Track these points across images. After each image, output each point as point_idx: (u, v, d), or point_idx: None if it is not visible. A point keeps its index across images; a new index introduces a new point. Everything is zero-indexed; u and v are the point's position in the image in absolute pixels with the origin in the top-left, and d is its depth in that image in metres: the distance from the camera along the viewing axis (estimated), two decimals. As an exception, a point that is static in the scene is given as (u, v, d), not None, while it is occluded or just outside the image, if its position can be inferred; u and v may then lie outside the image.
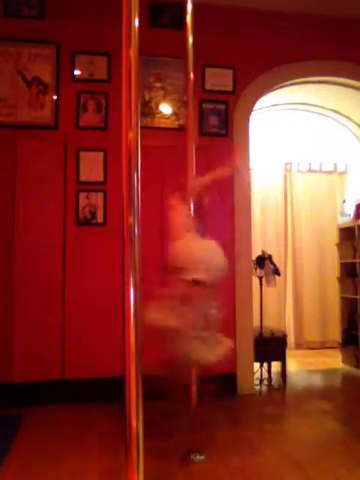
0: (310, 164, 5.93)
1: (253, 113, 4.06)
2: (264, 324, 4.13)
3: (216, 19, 3.93)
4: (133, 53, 1.20)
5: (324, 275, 5.78)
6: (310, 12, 4.03)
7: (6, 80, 3.64)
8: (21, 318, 3.48)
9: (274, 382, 4.04)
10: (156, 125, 3.83)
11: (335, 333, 5.36)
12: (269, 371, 4.09)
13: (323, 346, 5.72)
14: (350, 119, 4.95)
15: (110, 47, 3.63)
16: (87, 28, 3.74)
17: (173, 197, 2.60)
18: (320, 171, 5.97)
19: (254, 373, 3.91)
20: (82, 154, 3.69)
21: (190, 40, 2.73)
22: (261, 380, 3.99)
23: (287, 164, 5.89)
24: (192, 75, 2.75)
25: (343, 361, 4.84)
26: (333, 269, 5.42)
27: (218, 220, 3.76)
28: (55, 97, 3.71)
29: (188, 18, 2.73)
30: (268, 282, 4.04)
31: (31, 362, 3.46)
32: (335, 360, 4.94)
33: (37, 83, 3.68)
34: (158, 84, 3.85)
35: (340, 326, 5.01)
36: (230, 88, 3.96)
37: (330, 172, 5.97)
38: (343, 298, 4.95)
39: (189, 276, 2.30)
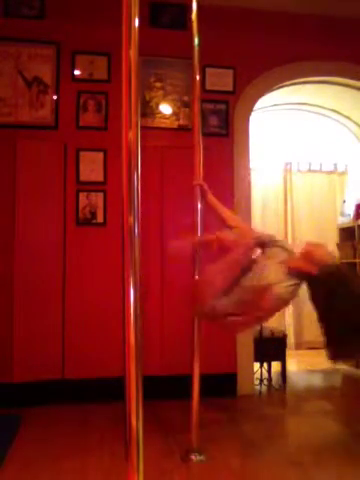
0: (310, 164, 5.94)
1: (253, 113, 4.06)
2: (264, 324, 4.13)
3: (216, 19, 3.92)
4: (133, 53, 1.20)
5: (324, 275, 5.77)
6: (310, 12, 4.03)
7: (6, 80, 3.64)
8: (21, 318, 3.48)
9: (274, 382, 4.04)
10: (156, 125, 3.83)
11: (335, 333, 5.35)
12: (269, 371, 4.09)
13: (323, 346, 5.71)
14: (350, 119, 4.95)
15: (110, 47, 3.63)
16: (87, 28, 3.73)
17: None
18: (320, 171, 5.97)
19: (254, 373, 3.91)
20: (82, 154, 3.69)
21: (196, 40, 2.71)
22: (261, 380, 3.99)
23: (287, 164, 5.90)
24: (198, 77, 2.72)
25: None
26: (333, 269, 5.41)
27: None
28: (55, 97, 3.71)
29: (193, 18, 2.71)
30: (268, 282, 4.03)
31: (31, 362, 3.46)
32: (335, 360, 4.93)
33: (37, 83, 3.68)
34: (158, 84, 3.85)
35: (340, 326, 5.00)
36: (230, 88, 3.96)
37: (330, 172, 5.97)
38: (343, 298, 4.94)
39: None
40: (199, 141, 2.69)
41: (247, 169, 4.00)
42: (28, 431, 2.92)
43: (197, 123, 2.71)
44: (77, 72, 3.75)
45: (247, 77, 3.97)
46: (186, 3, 2.73)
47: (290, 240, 5.85)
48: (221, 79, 3.94)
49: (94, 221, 3.68)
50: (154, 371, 3.46)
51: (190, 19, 2.71)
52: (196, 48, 2.70)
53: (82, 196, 3.67)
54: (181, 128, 3.82)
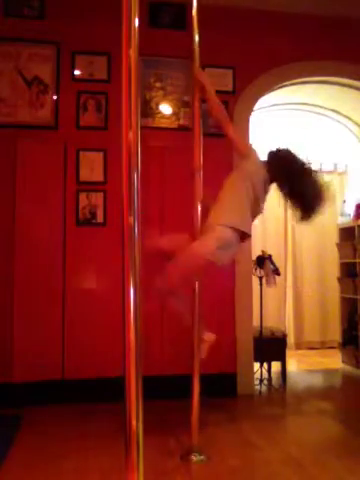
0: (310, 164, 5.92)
1: (253, 113, 4.06)
2: (264, 324, 4.13)
3: (216, 19, 3.92)
4: (133, 53, 1.20)
5: (324, 275, 5.78)
6: (310, 12, 4.03)
7: (6, 80, 3.64)
8: (21, 318, 3.48)
9: (274, 382, 4.04)
10: (156, 125, 3.83)
11: (335, 333, 5.37)
12: (269, 371, 4.09)
13: (323, 346, 5.73)
14: (350, 119, 4.95)
15: (110, 47, 3.63)
16: (87, 28, 3.74)
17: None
18: (320, 171, 5.96)
19: (254, 373, 3.91)
20: (82, 154, 3.69)
21: (196, 40, 2.71)
22: (261, 380, 3.99)
23: (287, 164, 5.89)
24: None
25: (343, 361, 4.84)
26: (333, 269, 5.42)
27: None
28: (55, 97, 3.71)
29: (193, 17, 2.71)
30: (268, 282, 4.03)
31: (31, 362, 3.46)
32: (335, 360, 4.94)
33: (37, 83, 3.68)
34: (158, 84, 3.85)
35: (340, 326, 5.02)
36: (230, 88, 3.96)
37: (330, 172, 5.97)
38: (343, 298, 4.95)
39: None
40: (198, 140, 2.69)
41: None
42: (28, 431, 2.92)
43: (197, 124, 2.72)
44: (77, 72, 3.75)
45: (247, 77, 3.97)
46: (185, 3, 2.73)
47: (290, 240, 5.85)
48: (221, 79, 3.94)
49: (94, 221, 3.68)
50: (154, 371, 3.46)
51: (189, 18, 2.72)
52: (196, 46, 2.70)
53: (82, 196, 3.67)
54: (181, 128, 3.82)
